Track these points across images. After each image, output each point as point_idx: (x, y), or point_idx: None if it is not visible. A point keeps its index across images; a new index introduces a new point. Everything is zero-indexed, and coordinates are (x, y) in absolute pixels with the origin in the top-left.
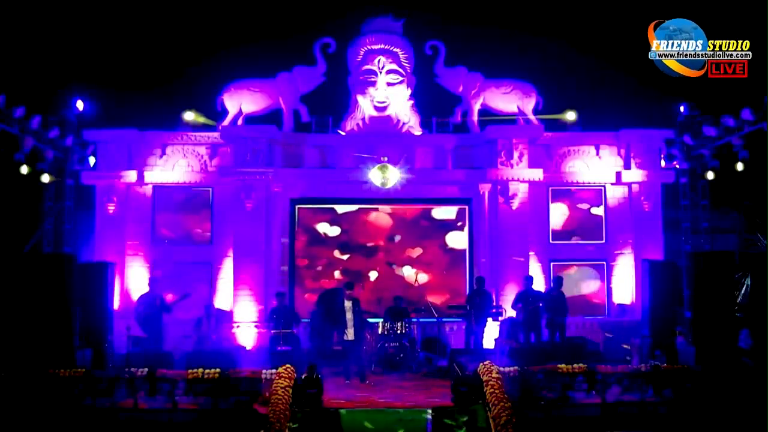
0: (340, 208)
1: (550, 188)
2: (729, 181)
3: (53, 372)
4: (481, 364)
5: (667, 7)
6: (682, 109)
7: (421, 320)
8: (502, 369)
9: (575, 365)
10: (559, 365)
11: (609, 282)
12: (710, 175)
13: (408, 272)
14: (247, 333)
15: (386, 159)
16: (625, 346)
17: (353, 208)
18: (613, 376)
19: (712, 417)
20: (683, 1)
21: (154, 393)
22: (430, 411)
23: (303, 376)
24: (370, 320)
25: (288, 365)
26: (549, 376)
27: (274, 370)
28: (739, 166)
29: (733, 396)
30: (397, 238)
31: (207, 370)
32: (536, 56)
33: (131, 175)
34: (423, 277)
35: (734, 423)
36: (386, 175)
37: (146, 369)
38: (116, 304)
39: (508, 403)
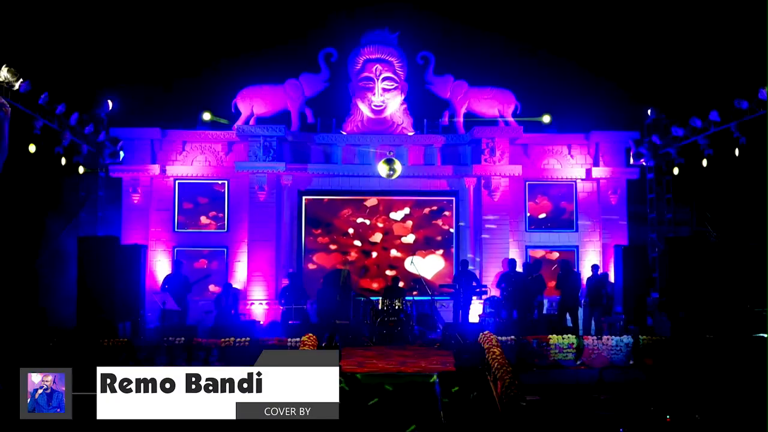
0: (343, 199)
1: (528, 183)
2: (685, 179)
3: (103, 341)
4: (481, 333)
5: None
6: (649, 112)
7: (415, 298)
8: (500, 338)
9: (565, 335)
10: (550, 335)
11: (579, 266)
12: (676, 171)
13: (407, 264)
14: (260, 309)
15: (392, 153)
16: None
17: (354, 198)
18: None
19: (690, 383)
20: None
21: (190, 360)
22: (435, 375)
23: (323, 344)
24: (372, 298)
25: (311, 334)
26: (541, 345)
27: (297, 339)
28: (704, 163)
29: (708, 363)
30: (396, 216)
31: (238, 339)
32: (517, 64)
33: (155, 169)
34: (418, 260)
35: (709, 388)
36: (392, 168)
37: (183, 338)
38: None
39: (510, 366)
